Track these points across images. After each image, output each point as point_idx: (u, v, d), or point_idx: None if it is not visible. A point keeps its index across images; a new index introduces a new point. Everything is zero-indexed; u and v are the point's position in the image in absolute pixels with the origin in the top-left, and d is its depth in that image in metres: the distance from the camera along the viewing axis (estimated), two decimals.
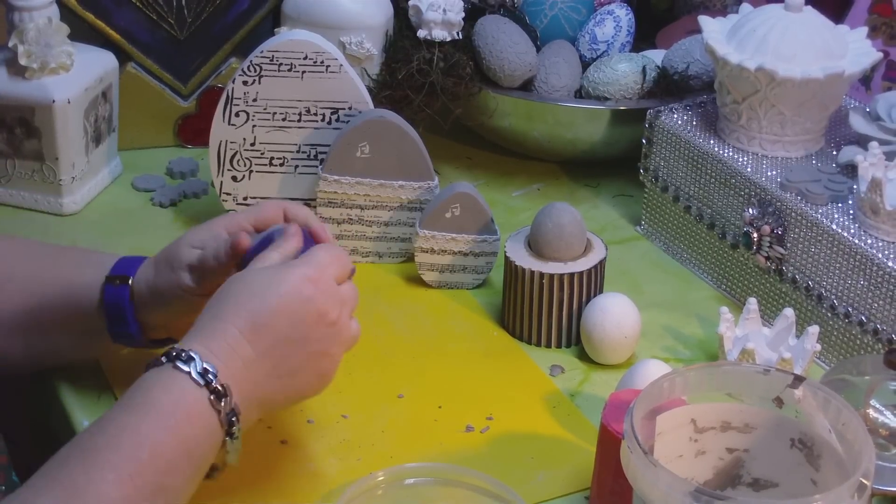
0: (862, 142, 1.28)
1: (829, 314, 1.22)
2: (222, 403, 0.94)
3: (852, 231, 1.20)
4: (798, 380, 0.94)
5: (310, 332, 0.99)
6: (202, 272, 1.07)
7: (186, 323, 1.01)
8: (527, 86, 1.47)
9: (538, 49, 1.48)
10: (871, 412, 1.04)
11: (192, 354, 0.94)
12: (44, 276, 1.13)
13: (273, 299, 0.98)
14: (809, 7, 1.32)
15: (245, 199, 1.37)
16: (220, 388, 0.94)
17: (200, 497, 0.96)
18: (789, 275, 1.25)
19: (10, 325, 1.12)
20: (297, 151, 1.36)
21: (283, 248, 1.04)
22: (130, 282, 1.09)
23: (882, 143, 1.25)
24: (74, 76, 1.39)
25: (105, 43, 1.47)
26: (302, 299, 0.98)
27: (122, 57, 1.48)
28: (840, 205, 1.23)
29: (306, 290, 0.98)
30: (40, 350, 1.13)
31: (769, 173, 1.28)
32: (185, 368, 0.93)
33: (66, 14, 1.43)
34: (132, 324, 1.09)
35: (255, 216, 1.09)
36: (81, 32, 1.45)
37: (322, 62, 1.32)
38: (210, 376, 0.93)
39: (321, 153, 1.35)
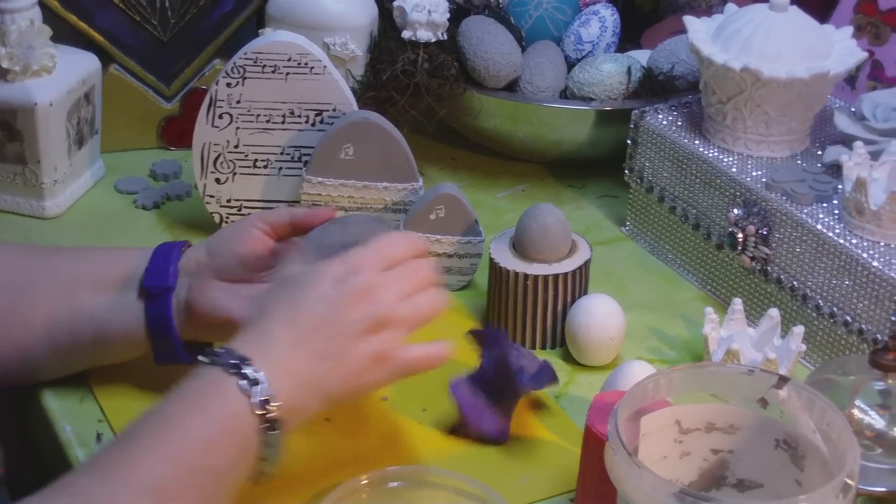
0: (847, 141, 1.28)
1: (815, 314, 1.22)
2: (252, 390, 0.95)
3: (837, 231, 1.19)
4: (782, 380, 0.94)
5: (349, 313, 0.99)
6: (269, 226, 1.13)
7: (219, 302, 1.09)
8: (512, 86, 1.46)
9: (523, 50, 1.48)
10: (855, 412, 1.04)
11: (229, 348, 0.97)
12: (89, 248, 1.19)
13: (307, 285, 1.00)
14: (794, 7, 1.31)
15: (228, 201, 1.36)
16: (249, 374, 0.95)
17: None
18: (774, 275, 1.25)
19: (47, 293, 1.12)
20: (281, 153, 1.35)
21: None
22: (187, 244, 1.14)
23: (867, 142, 1.25)
24: (57, 78, 1.38)
25: (88, 45, 1.47)
26: (335, 281, 1.00)
27: (105, 59, 1.48)
28: (825, 205, 1.23)
29: (340, 274, 1.00)
30: (63, 322, 1.11)
31: (754, 173, 1.28)
32: (220, 361, 0.96)
33: (49, 16, 1.42)
34: (172, 263, 1.11)
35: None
36: (64, 34, 1.44)
37: (306, 64, 1.32)
38: (242, 364, 0.95)
39: (305, 155, 1.34)
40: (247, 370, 0.95)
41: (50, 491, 0.91)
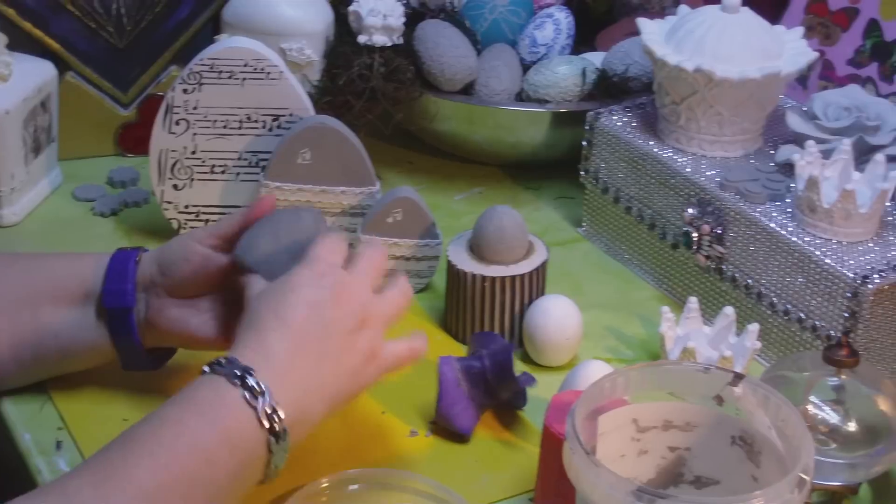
0: (799, 141, 1.29)
1: (769, 312, 1.23)
2: (258, 401, 0.94)
3: (790, 229, 1.21)
4: (738, 377, 0.95)
5: (335, 313, 1.00)
6: (219, 239, 1.12)
7: (179, 311, 1.10)
8: (467, 90, 1.47)
9: (478, 53, 1.49)
10: (810, 408, 1.05)
11: (231, 358, 0.96)
12: (42, 257, 1.17)
13: (288, 296, 1.00)
14: (746, 8, 1.33)
15: (186, 207, 1.36)
16: (255, 385, 0.95)
17: None
18: (729, 273, 1.26)
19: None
20: (239, 159, 1.35)
21: None
22: (141, 252, 1.13)
23: (819, 141, 1.26)
24: (13, 86, 1.38)
25: (44, 52, 1.46)
26: (312, 286, 1.00)
27: (61, 66, 1.47)
28: (778, 203, 1.24)
29: (313, 278, 1.01)
30: (27, 339, 1.11)
31: (708, 173, 1.29)
32: (222, 371, 0.95)
33: (4, 24, 1.42)
34: (129, 281, 1.11)
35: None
36: (20, 42, 1.44)
37: (262, 69, 1.32)
38: (246, 374, 0.95)
39: (262, 160, 1.35)
40: (251, 381, 0.95)
41: (42, 490, 0.91)
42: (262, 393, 0.95)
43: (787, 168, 1.27)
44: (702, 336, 1.20)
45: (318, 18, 1.46)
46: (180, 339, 1.13)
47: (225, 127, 1.34)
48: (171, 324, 1.11)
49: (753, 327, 1.18)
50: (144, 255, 1.13)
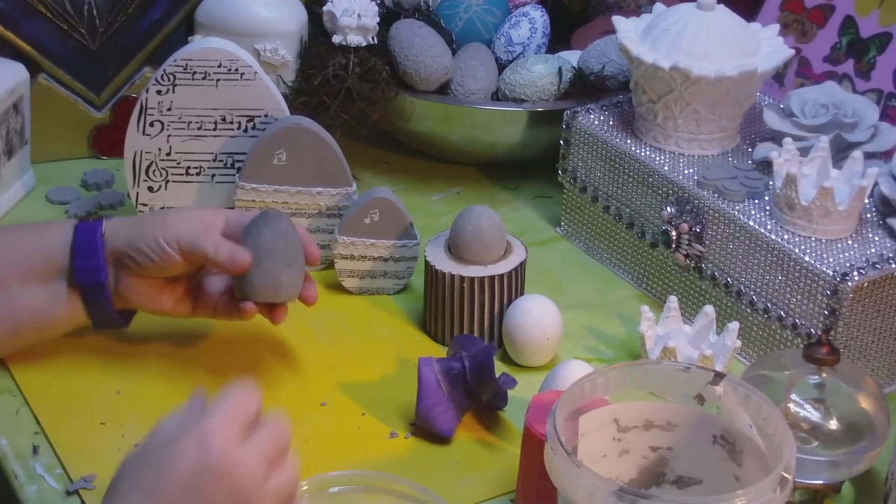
0: (776, 138, 1.29)
1: (749, 310, 1.23)
2: None
3: (769, 227, 1.21)
4: (718, 376, 0.95)
5: (212, 496, 0.87)
6: (189, 255, 1.14)
7: (150, 280, 1.14)
8: (443, 89, 1.47)
9: (454, 52, 1.48)
10: (791, 406, 1.05)
11: None
12: (3, 235, 1.18)
13: (166, 467, 0.87)
14: (722, 5, 1.33)
15: (162, 209, 1.35)
16: None
17: None
18: (708, 272, 1.26)
19: None
20: (214, 160, 1.35)
21: None
22: (105, 223, 1.15)
23: (796, 139, 1.26)
24: None
25: (15, 55, 1.45)
26: (193, 460, 0.87)
27: (33, 68, 1.46)
28: (756, 201, 1.24)
29: (196, 454, 0.87)
30: (2, 318, 1.14)
31: (686, 171, 1.29)
32: None
33: None
34: (100, 257, 1.14)
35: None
36: None
37: (236, 70, 1.32)
38: None
39: (238, 161, 1.34)
40: None
41: None
42: None
43: (765, 166, 1.27)
44: (682, 335, 1.20)
45: (292, 19, 1.45)
46: (153, 311, 1.18)
47: (199, 128, 1.33)
48: (144, 299, 1.16)
49: (733, 326, 1.18)
50: (110, 227, 1.15)
